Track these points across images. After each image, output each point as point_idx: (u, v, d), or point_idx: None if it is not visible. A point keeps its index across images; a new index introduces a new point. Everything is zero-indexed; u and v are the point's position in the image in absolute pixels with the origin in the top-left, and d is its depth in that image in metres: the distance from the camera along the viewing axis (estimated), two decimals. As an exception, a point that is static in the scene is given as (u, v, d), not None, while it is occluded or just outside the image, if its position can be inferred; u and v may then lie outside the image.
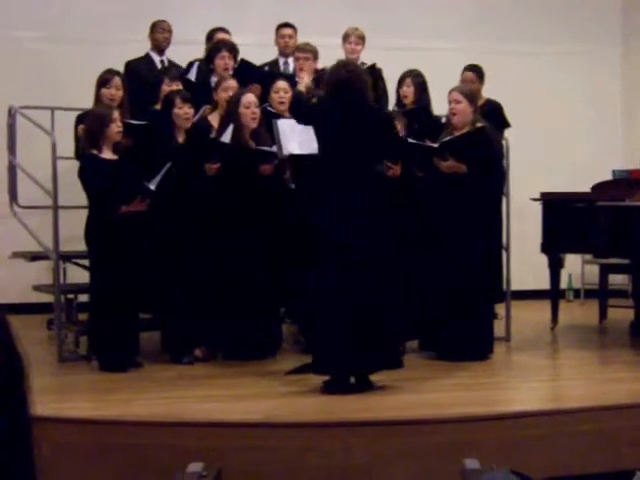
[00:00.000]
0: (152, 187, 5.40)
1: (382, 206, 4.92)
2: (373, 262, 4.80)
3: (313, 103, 5.71)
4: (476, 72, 6.71)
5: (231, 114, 5.78)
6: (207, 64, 6.53)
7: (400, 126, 5.75)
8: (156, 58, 7.05)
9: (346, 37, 6.71)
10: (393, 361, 4.98)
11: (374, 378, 4.91)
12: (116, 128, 5.49)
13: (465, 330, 5.65)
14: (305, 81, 6.20)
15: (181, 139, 5.81)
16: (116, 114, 5.52)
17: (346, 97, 4.89)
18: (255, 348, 5.79)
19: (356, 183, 4.83)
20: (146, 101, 6.21)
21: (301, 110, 5.58)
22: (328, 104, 5.03)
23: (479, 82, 6.63)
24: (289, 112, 5.95)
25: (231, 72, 6.37)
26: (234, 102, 5.79)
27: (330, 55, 6.54)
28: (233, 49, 6.45)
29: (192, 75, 6.61)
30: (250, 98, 5.82)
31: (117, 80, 5.91)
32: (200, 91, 6.24)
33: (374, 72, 6.30)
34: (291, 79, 6.44)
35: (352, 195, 4.81)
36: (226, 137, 5.72)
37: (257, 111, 5.80)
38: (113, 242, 5.35)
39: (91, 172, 5.42)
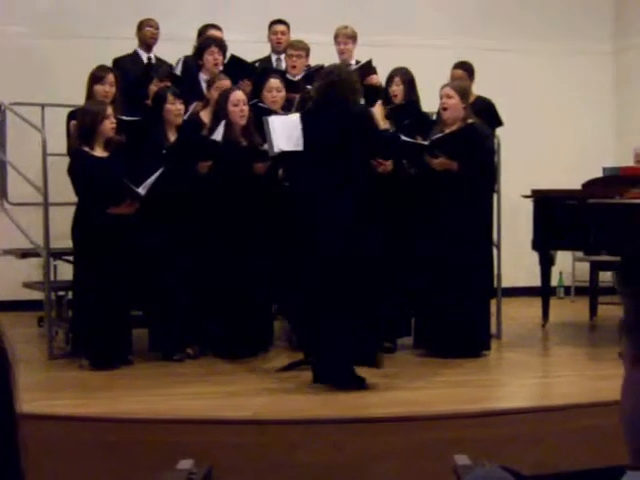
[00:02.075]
0: (142, 192, 5.37)
1: (366, 208, 4.97)
2: (357, 263, 4.84)
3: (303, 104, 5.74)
4: (466, 69, 6.70)
5: (220, 112, 5.77)
6: (196, 60, 6.52)
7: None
8: (143, 55, 7.03)
9: (335, 37, 6.70)
10: (369, 358, 4.99)
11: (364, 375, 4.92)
12: (110, 124, 5.47)
13: (458, 327, 5.66)
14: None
15: (172, 135, 5.80)
16: (110, 110, 5.50)
17: (332, 103, 4.97)
18: (247, 345, 5.78)
19: (340, 185, 4.90)
20: (134, 98, 6.19)
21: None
22: (316, 109, 5.10)
23: (469, 79, 6.62)
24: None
25: (221, 68, 6.37)
26: (222, 100, 5.78)
27: (322, 52, 6.57)
28: (222, 45, 6.45)
29: (177, 70, 6.60)
30: (239, 96, 5.80)
31: (111, 77, 5.89)
32: (187, 86, 6.23)
33: (370, 68, 6.29)
34: (283, 75, 6.43)
35: (336, 196, 4.87)
36: (218, 135, 5.71)
37: (245, 109, 5.79)
38: (99, 240, 5.33)
39: (81, 169, 5.39)
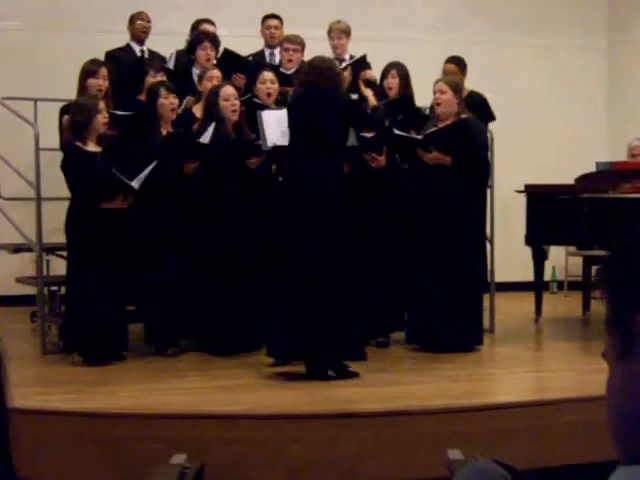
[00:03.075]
0: (135, 186, 5.36)
1: (342, 205, 5.03)
2: (327, 254, 4.91)
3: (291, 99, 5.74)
4: (458, 64, 6.70)
5: (211, 107, 5.75)
6: (188, 55, 6.50)
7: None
8: (136, 48, 7.02)
9: (329, 32, 6.69)
10: (354, 353, 5.04)
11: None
12: (102, 119, 5.44)
13: (451, 321, 5.66)
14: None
15: (165, 130, 5.78)
16: (102, 105, 5.48)
17: (317, 96, 5.00)
18: (242, 342, 5.75)
19: (321, 175, 4.95)
20: (127, 91, 6.17)
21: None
22: (301, 101, 5.14)
23: (461, 74, 6.62)
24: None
25: (213, 62, 6.35)
26: (213, 95, 5.77)
27: (315, 47, 6.55)
28: (214, 40, 6.43)
29: (170, 64, 6.59)
30: (229, 91, 5.78)
31: (104, 70, 5.86)
32: (180, 80, 6.22)
33: (364, 63, 6.28)
34: (277, 70, 6.42)
35: (314, 192, 4.92)
36: (206, 137, 5.68)
37: (237, 103, 5.77)
38: (93, 235, 5.31)
39: (74, 164, 5.37)
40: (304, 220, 4.93)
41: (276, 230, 5.35)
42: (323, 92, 5.00)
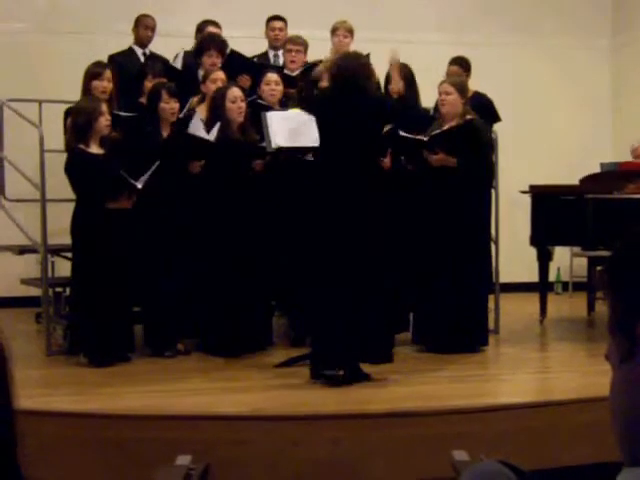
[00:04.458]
0: (139, 185, 5.37)
1: (377, 198, 4.97)
2: (366, 255, 4.85)
3: (317, 93, 5.71)
4: (462, 65, 6.71)
5: (217, 109, 5.75)
6: (195, 58, 6.50)
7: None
8: (139, 51, 7.02)
9: (334, 30, 6.69)
10: (383, 355, 4.99)
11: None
12: (105, 122, 5.44)
13: (456, 322, 5.66)
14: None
15: (166, 133, 5.77)
16: (104, 107, 5.48)
17: (352, 88, 4.94)
18: (245, 342, 5.75)
19: (354, 173, 4.88)
20: (130, 94, 6.17)
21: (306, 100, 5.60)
22: (334, 93, 5.07)
23: (465, 75, 6.62)
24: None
25: (219, 66, 6.34)
26: (219, 97, 5.77)
27: (319, 48, 6.56)
28: (222, 48, 6.37)
29: (178, 64, 6.58)
30: (236, 92, 5.78)
31: (108, 73, 5.86)
32: (186, 81, 6.21)
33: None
34: (281, 71, 6.42)
35: (349, 186, 4.86)
36: (211, 134, 5.69)
37: (243, 105, 5.78)
38: (98, 236, 5.32)
39: (78, 167, 5.38)
40: (335, 222, 4.88)
41: (299, 228, 5.33)
42: (357, 89, 4.94)
